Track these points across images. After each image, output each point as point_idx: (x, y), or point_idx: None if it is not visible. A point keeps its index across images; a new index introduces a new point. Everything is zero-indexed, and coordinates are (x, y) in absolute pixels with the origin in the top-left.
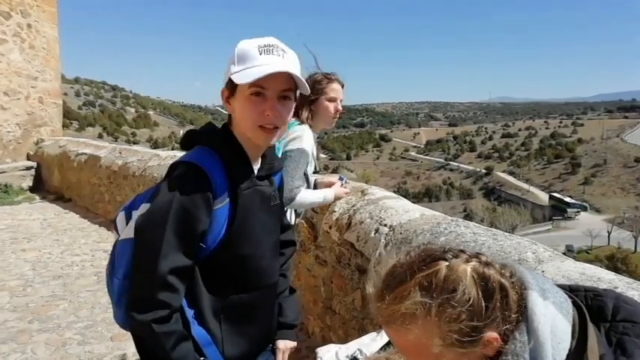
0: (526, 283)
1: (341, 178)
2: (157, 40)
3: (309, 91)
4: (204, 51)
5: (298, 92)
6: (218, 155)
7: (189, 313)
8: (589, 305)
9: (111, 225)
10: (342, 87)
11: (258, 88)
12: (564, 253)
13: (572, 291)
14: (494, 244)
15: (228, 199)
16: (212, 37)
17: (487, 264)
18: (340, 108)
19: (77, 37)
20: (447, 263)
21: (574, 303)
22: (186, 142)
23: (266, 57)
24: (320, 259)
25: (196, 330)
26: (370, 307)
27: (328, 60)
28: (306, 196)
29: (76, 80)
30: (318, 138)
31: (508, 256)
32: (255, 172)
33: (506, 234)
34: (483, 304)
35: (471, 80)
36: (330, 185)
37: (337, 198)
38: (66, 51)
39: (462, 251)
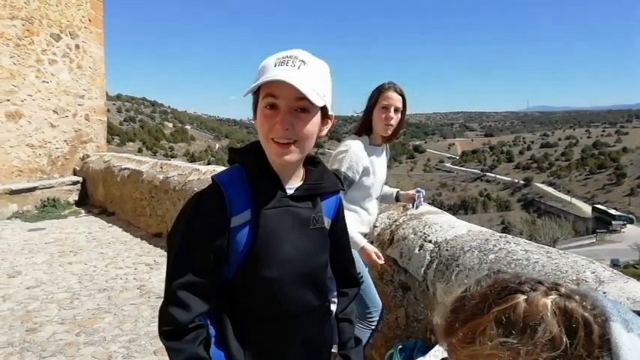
0: (608, 315)
1: (418, 191)
2: (193, 55)
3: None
4: (240, 65)
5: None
6: (246, 173)
7: (212, 332)
8: None
9: (152, 239)
10: (401, 95)
11: (271, 98)
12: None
13: None
14: (549, 263)
15: (249, 217)
16: (247, 50)
17: (568, 296)
18: (392, 115)
19: (120, 55)
20: (525, 297)
21: None
22: (229, 160)
23: (279, 68)
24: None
25: (214, 351)
26: (438, 339)
27: (363, 71)
28: None
29: (118, 97)
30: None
31: (565, 275)
32: (292, 191)
33: (561, 252)
34: (567, 341)
35: (508, 89)
36: (412, 198)
37: (364, 253)
38: (109, 69)
39: (540, 282)
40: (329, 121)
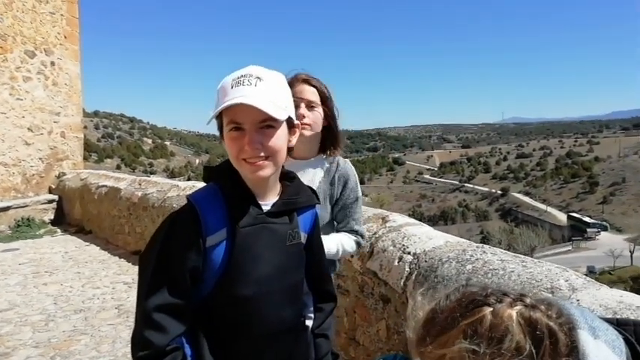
0: (574, 322)
1: None
2: (172, 70)
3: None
4: (219, 79)
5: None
6: (221, 191)
7: (188, 352)
8: None
9: (131, 257)
10: (313, 86)
11: (234, 123)
12: (586, 275)
13: (620, 325)
14: (524, 272)
15: (225, 236)
16: (226, 64)
17: (533, 306)
18: (304, 112)
19: (97, 71)
20: (491, 309)
21: (625, 339)
22: (204, 178)
23: (237, 89)
24: (342, 289)
25: None
26: (411, 353)
27: (338, 84)
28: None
29: (96, 113)
30: (334, 165)
31: (540, 284)
32: (268, 207)
33: (536, 260)
34: (533, 351)
35: (483, 102)
36: None
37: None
38: (86, 85)
39: (505, 294)
40: (296, 129)
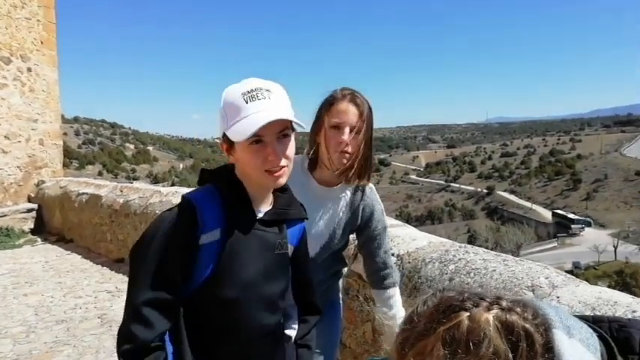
0: (550, 322)
1: None
2: (153, 75)
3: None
4: (201, 82)
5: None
6: (219, 194)
7: (170, 349)
8: (614, 337)
9: (113, 265)
10: (359, 107)
11: (256, 136)
12: (572, 270)
13: (595, 322)
14: (506, 270)
15: (218, 236)
16: (209, 68)
17: (510, 309)
18: (345, 138)
19: (76, 77)
20: (468, 314)
21: (600, 336)
22: (200, 180)
23: (253, 104)
24: None
25: None
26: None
27: (320, 85)
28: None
29: (76, 119)
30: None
31: (521, 282)
32: (262, 214)
33: (517, 259)
34: (510, 354)
35: (467, 102)
36: None
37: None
38: (65, 91)
39: (482, 298)
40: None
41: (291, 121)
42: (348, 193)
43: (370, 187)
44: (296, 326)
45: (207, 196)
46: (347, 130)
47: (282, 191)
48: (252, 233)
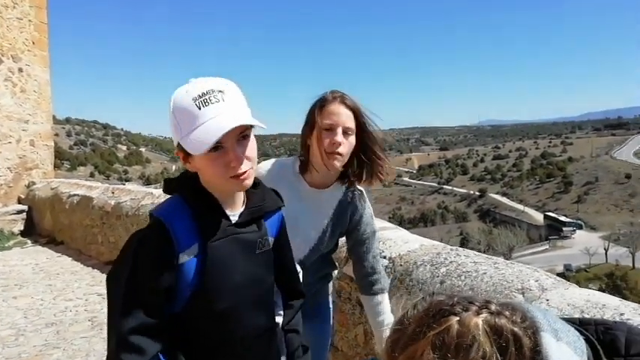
0: (538, 325)
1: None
2: (147, 75)
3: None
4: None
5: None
6: (188, 205)
7: None
8: (601, 340)
9: (104, 267)
10: (350, 109)
11: (214, 144)
12: (563, 273)
13: (582, 324)
14: (496, 274)
15: (197, 252)
16: (204, 68)
17: (498, 313)
18: (340, 139)
19: (69, 78)
20: (458, 318)
21: (586, 339)
22: (166, 190)
23: (206, 109)
24: None
25: None
26: None
27: (314, 89)
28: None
29: (67, 120)
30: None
31: (511, 285)
32: (236, 217)
33: (507, 262)
34: (499, 358)
35: (460, 105)
36: None
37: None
38: (57, 92)
39: (471, 302)
40: None
41: (248, 127)
42: (339, 195)
43: (361, 191)
44: (282, 312)
45: (176, 210)
46: (339, 130)
47: (253, 187)
48: (232, 239)
